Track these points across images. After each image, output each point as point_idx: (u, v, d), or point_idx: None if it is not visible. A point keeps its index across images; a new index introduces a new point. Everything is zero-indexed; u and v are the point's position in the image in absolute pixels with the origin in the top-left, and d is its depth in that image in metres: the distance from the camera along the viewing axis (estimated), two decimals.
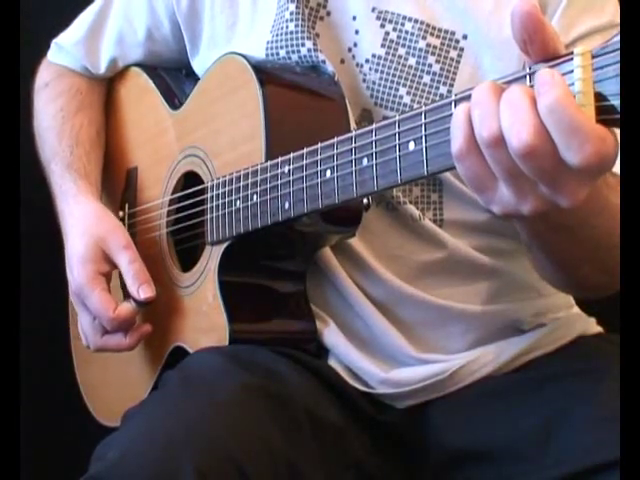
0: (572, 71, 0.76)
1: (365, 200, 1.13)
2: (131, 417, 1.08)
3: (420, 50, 1.17)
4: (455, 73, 1.16)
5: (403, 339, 1.20)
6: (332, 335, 1.21)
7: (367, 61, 1.19)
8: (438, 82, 1.17)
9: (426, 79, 1.16)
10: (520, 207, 0.81)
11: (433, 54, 1.17)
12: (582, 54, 0.75)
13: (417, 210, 1.18)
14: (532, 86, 0.78)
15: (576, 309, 1.30)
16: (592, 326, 1.29)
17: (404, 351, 1.20)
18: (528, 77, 0.80)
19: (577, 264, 1.03)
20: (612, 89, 0.74)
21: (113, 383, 1.42)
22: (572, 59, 0.76)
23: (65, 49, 1.48)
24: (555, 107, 0.75)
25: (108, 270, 1.29)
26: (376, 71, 1.18)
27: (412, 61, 1.17)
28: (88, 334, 1.30)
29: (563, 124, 0.75)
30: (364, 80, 1.19)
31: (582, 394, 1.10)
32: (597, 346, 1.23)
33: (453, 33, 1.17)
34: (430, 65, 1.17)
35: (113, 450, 0.98)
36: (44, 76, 1.50)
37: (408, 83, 1.17)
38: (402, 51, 1.18)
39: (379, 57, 1.18)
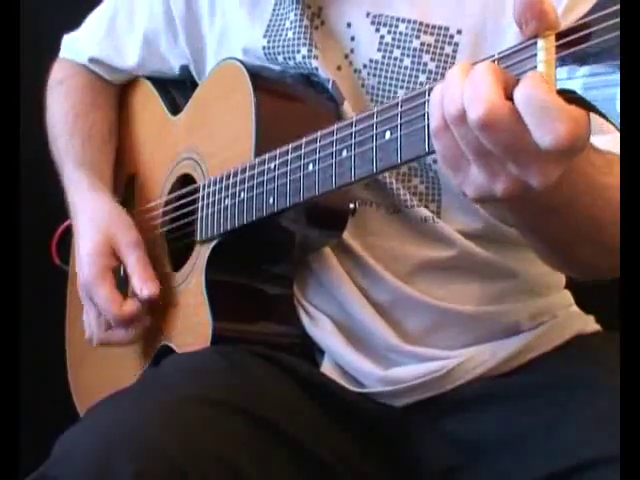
0: (536, 54, 0.77)
1: (352, 205, 1.15)
2: (87, 414, 1.10)
3: (414, 50, 1.16)
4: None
5: (400, 339, 1.20)
6: (328, 336, 1.21)
7: (365, 66, 1.19)
8: (434, 80, 1.14)
9: (422, 78, 1.15)
10: (493, 188, 0.81)
11: (427, 52, 1.15)
12: (545, 37, 0.76)
13: (428, 212, 1.18)
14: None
15: (574, 307, 1.29)
16: (590, 324, 1.28)
17: (401, 351, 1.20)
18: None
19: (573, 247, 1.01)
20: (574, 72, 0.74)
21: (104, 384, 1.42)
22: (536, 42, 0.77)
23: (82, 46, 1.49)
24: (525, 87, 0.75)
25: (116, 265, 1.31)
26: (374, 76, 1.18)
27: (407, 62, 1.16)
28: (93, 328, 1.32)
29: (533, 104, 0.75)
30: (363, 85, 1.19)
31: (581, 393, 1.10)
32: (596, 345, 1.22)
33: (447, 29, 1.15)
34: (425, 64, 1.16)
35: (60, 446, 1.00)
36: (58, 73, 1.52)
37: (405, 84, 1.16)
38: (397, 53, 1.17)
39: (376, 62, 1.18)
